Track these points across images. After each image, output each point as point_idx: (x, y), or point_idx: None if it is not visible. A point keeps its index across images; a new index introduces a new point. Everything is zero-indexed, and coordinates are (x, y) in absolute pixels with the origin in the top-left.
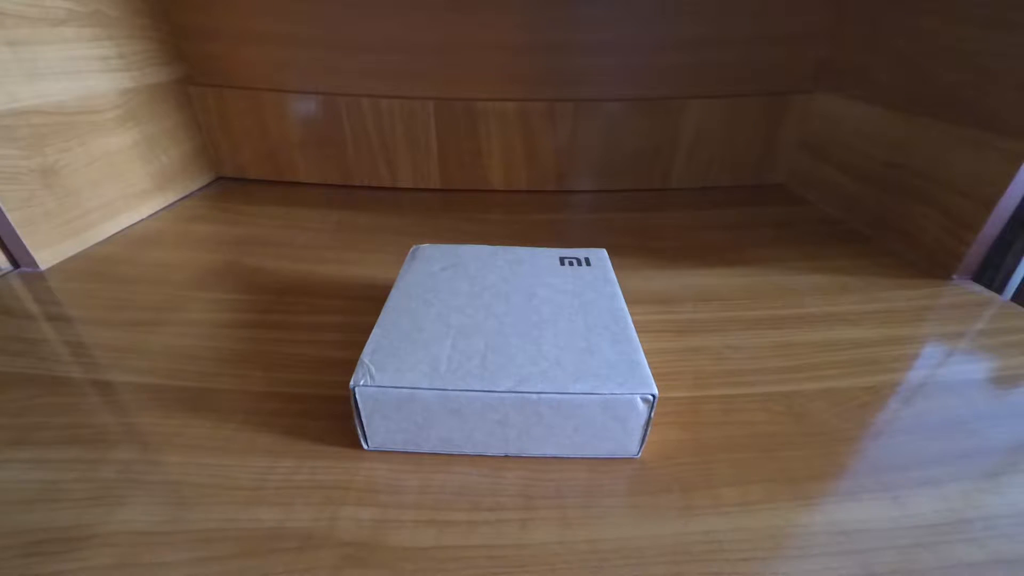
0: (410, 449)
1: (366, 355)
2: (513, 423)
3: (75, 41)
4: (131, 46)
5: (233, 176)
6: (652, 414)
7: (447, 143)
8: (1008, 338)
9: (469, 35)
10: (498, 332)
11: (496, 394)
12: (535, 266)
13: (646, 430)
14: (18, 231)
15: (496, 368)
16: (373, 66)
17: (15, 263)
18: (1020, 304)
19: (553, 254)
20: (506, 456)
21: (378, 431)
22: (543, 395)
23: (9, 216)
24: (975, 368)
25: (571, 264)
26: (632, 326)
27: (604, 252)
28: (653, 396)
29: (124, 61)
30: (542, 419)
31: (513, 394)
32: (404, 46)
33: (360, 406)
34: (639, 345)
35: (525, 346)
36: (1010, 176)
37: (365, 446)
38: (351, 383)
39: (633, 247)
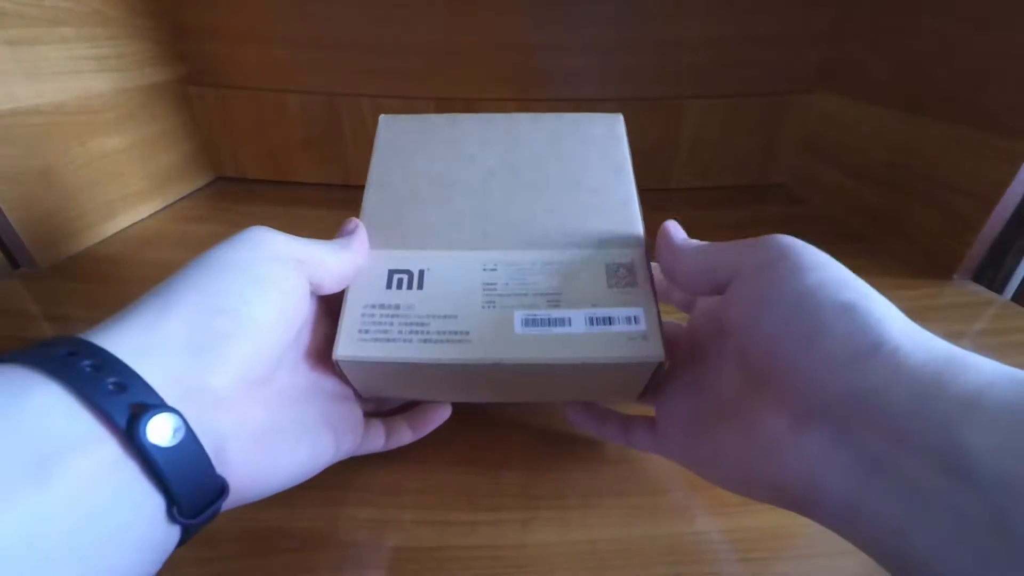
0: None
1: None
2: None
3: (74, 41)
4: (130, 46)
5: (233, 176)
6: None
7: None
8: (1008, 338)
9: (469, 35)
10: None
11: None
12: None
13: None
14: (18, 231)
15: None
16: (373, 66)
17: (15, 263)
18: (1020, 304)
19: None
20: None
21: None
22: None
23: (9, 216)
24: None
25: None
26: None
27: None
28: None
29: (123, 61)
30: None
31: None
32: (404, 46)
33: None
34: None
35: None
36: (1010, 176)
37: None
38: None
39: None
